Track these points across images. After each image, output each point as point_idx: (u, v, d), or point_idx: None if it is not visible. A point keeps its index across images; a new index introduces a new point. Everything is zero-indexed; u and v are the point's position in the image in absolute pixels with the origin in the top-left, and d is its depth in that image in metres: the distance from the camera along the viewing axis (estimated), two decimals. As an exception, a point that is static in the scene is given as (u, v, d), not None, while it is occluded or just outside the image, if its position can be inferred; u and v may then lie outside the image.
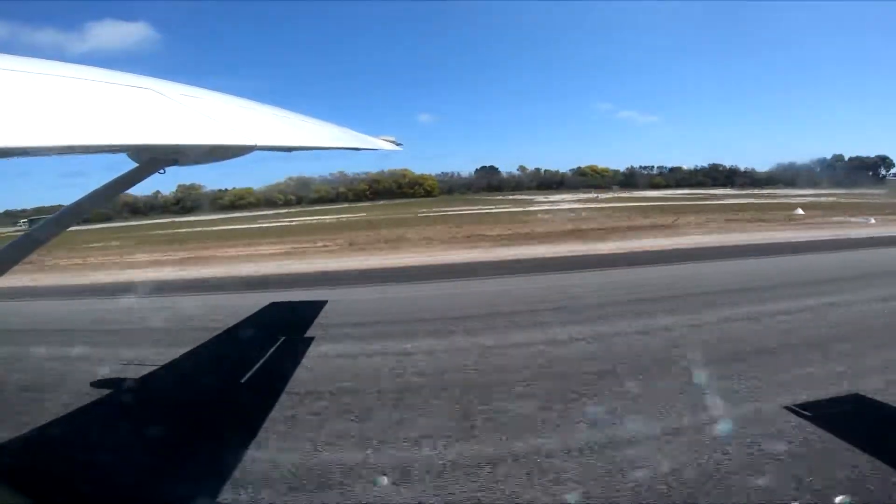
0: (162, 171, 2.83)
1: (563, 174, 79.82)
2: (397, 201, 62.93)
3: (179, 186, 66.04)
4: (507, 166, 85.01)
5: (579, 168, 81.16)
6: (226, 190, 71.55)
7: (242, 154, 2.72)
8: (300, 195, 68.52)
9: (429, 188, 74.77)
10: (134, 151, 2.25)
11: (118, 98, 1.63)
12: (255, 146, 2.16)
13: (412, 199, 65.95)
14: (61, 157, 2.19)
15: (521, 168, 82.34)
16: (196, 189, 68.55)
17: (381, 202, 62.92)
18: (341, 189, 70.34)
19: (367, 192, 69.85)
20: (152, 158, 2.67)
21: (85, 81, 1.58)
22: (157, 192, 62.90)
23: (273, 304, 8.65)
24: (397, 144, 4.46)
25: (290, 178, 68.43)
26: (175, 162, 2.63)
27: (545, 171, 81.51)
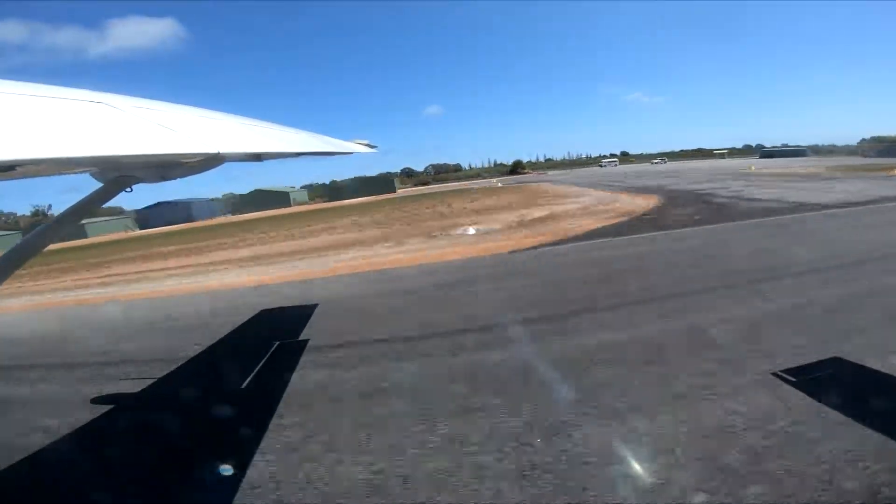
0: (129, 189, 2.79)
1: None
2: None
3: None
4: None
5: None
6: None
7: (209, 167, 2.69)
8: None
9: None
10: (89, 166, 2.20)
11: (69, 113, 1.60)
12: (219, 154, 2.12)
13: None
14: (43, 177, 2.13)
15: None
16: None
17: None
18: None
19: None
20: (119, 176, 2.63)
21: (33, 98, 1.54)
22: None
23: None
24: (371, 147, 4.44)
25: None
26: (139, 179, 2.59)
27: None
